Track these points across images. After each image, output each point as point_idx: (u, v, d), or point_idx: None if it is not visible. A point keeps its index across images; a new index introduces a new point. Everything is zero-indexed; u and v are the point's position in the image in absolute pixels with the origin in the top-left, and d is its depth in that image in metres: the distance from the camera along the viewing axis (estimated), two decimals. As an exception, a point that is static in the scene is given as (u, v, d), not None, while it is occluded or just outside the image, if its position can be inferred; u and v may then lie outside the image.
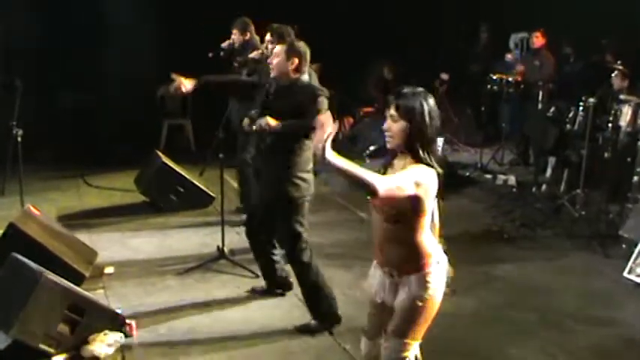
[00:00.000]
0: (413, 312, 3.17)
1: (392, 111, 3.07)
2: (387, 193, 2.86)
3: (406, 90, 3.09)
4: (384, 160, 3.27)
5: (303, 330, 4.66)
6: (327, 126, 2.80)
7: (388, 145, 3.16)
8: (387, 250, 3.20)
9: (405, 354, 3.21)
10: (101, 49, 9.50)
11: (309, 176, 4.68)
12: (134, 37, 9.37)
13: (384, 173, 3.16)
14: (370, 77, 10.76)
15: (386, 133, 3.12)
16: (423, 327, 3.23)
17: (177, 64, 6.53)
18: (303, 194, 4.64)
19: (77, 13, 9.18)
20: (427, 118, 3.05)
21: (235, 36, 6.62)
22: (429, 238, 3.16)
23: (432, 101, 3.10)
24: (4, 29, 8.46)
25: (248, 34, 6.62)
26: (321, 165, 2.79)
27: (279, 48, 4.66)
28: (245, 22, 6.66)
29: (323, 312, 4.71)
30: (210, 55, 6.56)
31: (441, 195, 3.15)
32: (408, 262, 3.15)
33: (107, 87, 9.48)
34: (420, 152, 3.04)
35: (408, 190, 2.94)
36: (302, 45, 4.69)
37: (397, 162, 3.16)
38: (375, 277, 3.34)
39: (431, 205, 3.10)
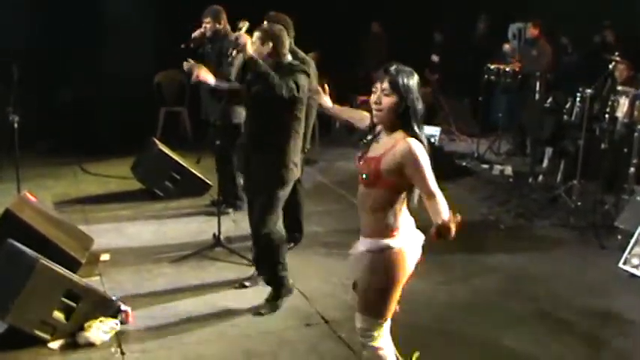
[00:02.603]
0: (366, 292, 3.27)
1: (384, 84, 3.16)
2: (438, 190, 3.06)
3: (397, 66, 3.19)
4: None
5: (261, 312, 4.76)
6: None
7: (375, 120, 3.28)
8: (362, 218, 3.32)
9: (371, 331, 3.31)
10: (100, 44, 9.47)
11: (299, 160, 4.77)
12: (133, 34, 9.35)
13: (367, 149, 3.30)
14: (364, 40, 10.97)
15: (374, 106, 3.22)
16: (381, 305, 3.27)
17: (176, 61, 6.55)
18: (293, 178, 4.71)
19: (77, 10, 9.14)
20: (415, 93, 3.17)
21: (209, 25, 6.48)
22: (402, 215, 3.25)
23: (416, 77, 3.23)
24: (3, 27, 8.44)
25: (221, 22, 6.54)
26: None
27: (255, 34, 4.62)
28: (218, 10, 6.53)
29: (283, 287, 4.86)
30: (183, 46, 6.50)
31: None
32: (370, 233, 3.26)
33: (106, 81, 9.44)
34: (415, 127, 3.16)
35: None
36: (277, 28, 4.67)
37: (384, 137, 3.26)
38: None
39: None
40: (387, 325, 3.34)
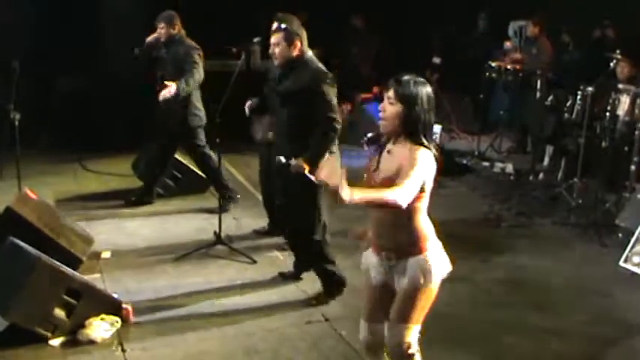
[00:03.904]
0: (414, 297, 3.21)
1: (390, 93, 3.13)
2: (408, 200, 2.94)
3: (406, 77, 3.15)
4: (375, 147, 3.32)
5: (318, 299, 4.86)
6: (331, 172, 2.83)
7: (381, 129, 3.23)
8: (386, 234, 3.23)
9: (408, 338, 3.24)
10: (101, 41, 9.47)
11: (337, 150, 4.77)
12: (134, 29, 9.33)
13: (379, 161, 3.22)
14: (344, 34, 10.91)
15: (380, 115, 3.19)
16: (424, 310, 3.28)
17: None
18: None
19: (78, 6, 9.13)
20: (425, 104, 3.12)
21: (163, 30, 6.49)
22: (426, 220, 3.22)
23: (429, 89, 3.17)
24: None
25: (175, 28, 6.53)
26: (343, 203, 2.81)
27: (276, 37, 4.62)
28: (172, 15, 6.55)
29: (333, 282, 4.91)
30: (137, 51, 6.55)
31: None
32: (407, 245, 3.19)
33: (106, 78, 9.42)
34: (421, 136, 3.11)
35: (420, 184, 3.02)
36: (297, 25, 4.69)
37: (396, 148, 3.19)
38: (372, 261, 3.37)
39: (429, 187, 3.15)
40: (418, 327, 3.31)
